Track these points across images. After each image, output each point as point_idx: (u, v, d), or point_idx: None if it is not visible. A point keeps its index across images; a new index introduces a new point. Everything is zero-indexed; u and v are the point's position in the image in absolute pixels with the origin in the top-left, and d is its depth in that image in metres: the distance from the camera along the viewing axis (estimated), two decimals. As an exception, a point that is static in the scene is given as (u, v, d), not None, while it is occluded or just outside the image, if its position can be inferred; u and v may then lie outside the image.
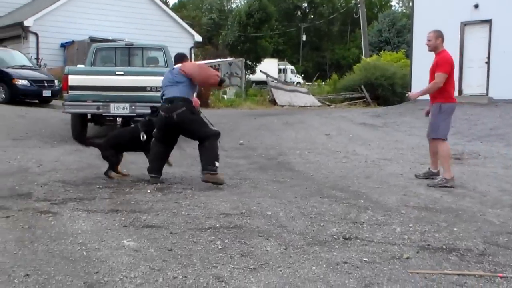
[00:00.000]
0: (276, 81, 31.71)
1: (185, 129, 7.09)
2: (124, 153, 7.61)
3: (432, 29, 8.00)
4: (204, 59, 35.66)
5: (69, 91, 10.48)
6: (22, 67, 18.81)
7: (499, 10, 17.64)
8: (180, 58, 7.60)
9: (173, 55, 13.07)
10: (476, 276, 3.96)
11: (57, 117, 14.20)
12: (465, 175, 8.31)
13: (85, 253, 4.18)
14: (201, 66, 7.25)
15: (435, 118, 7.72)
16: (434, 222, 5.43)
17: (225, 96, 26.85)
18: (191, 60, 28.27)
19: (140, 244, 4.44)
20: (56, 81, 18.27)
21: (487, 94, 17.91)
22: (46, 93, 18.28)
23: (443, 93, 7.66)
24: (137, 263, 3.98)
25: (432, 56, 8.07)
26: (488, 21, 17.99)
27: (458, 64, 18.49)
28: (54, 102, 18.81)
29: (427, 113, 8.17)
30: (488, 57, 17.97)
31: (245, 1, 48.63)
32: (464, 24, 18.51)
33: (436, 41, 7.84)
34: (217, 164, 6.86)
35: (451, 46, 18.82)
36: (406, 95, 8.01)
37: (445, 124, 7.70)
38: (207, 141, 6.95)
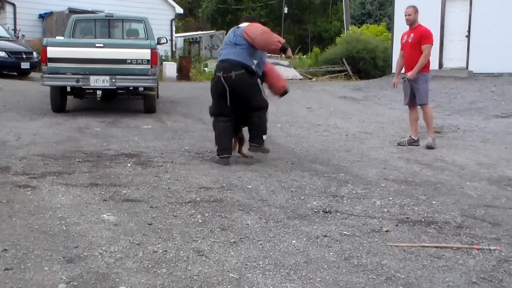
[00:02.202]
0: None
1: (241, 93, 6.60)
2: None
3: (409, 4, 8.56)
4: (185, 31, 35.36)
5: (48, 63, 10.33)
6: (-1, 38, 18.48)
7: (480, -17, 17.64)
8: (250, 19, 7.15)
9: (153, 27, 13.04)
10: (454, 248, 4.02)
11: (36, 90, 14.01)
12: (444, 148, 8.38)
13: (64, 228, 4.15)
14: (264, 30, 6.63)
15: (424, 86, 8.45)
16: (413, 196, 5.48)
17: (206, 69, 26.65)
18: (172, 32, 28.02)
19: (120, 218, 4.43)
20: (34, 53, 17.97)
21: (467, 68, 17.98)
22: (25, 65, 17.98)
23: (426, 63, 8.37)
24: (117, 237, 3.97)
25: None
26: (469, -5, 18.00)
27: (439, 37, 18.55)
28: (32, 74, 18.53)
29: (395, 85, 8.95)
30: (469, 31, 17.99)
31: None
32: (446, -3, 18.50)
33: (415, 16, 8.42)
34: (264, 137, 6.83)
35: (432, 20, 18.92)
36: (404, 79, 8.30)
37: (427, 90, 8.55)
38: (258, 112, 6.71)
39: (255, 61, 6.71)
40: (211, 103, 6.90)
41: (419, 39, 8.27)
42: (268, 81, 7.06)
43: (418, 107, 8.63)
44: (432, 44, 8.37)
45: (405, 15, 8.44)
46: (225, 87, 6.54)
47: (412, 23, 8.41)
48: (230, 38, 6.77)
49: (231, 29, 7.01)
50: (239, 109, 6.72)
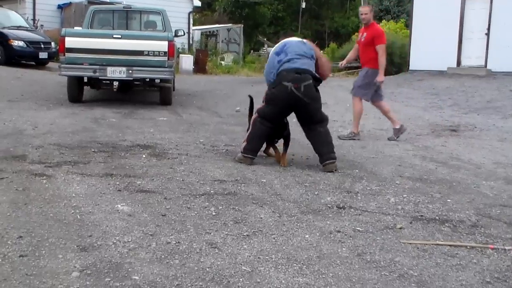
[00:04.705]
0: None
1: (306, 105, 6.27)
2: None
3: (364, 5, 9.05)
4: (203, 24, 35.36)
5: (66, 54, 10.40)
6: (19, 27, 18.61)
7: (501, -19, 17.49)
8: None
9: (171, 19, 13.05)
10: (468, 247, 3.99)
11: (53, 80, 14.11)
12: (460, 147, 8.32)
13: (78, 217, 4.18)
14: (326, 59, 6.90)
15: (363, 80, 8.69)
16: (428, 193, 5.45)
17: (222, 62, 26.68)
18: (189, 25, 28.05)
19: (134, 209, 4.45)
20: (52, 43, 18.10)
21: (485, 66, 17.84)
22: (43, 55, 18.13)
23: (375, 60, 8.52)
24: (131, 228, 3.99)
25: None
26: (490, -8, 17.84)
27: (458, 35, 18.44)
28: (50, 64, 18.68)
29: (342, 65, 9.68)
30: (488, 29, 17.84)
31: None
32: (466, -5, 18.35)
33: (370, 15, 8.67)
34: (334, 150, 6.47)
35: (451, 17, 18.85)
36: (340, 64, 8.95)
37: (366, 85, 8.65)
38: (321, 125, 6.41)
39: None
40: (265, 106, 6.52)
41: (372, 39, 8.48)
42: (318, 72, 6.69)
43: (383, 101, 8.95)
44: (385, 43, 8.61)
45: (361, 14, 8.66)
46: (290, 99, 6.25)
47: (367, 22, 8.61)
48: (301, 49, 6.45)
49: (296, 40, 6.71)
50: (302, 122, 6.59)
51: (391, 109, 9.04)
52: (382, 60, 8.48)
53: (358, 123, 8.76)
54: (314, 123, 6.42)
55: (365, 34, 8.62)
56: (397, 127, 8.72)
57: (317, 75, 6.40)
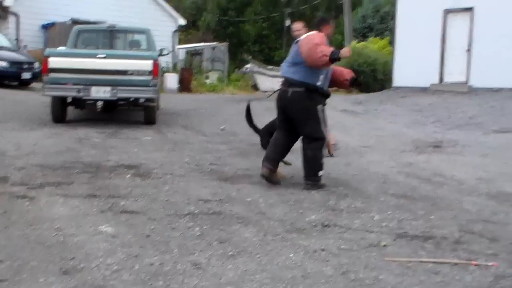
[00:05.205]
0: (258, 66, 31.60)
1: (296, 113, 6.18)
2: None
3: (297, 21, 8.55)
4: (188, 43, 35.42)
5: (50, 74, 10.36)
6: (1, 48, 18.50)
7: (481, -2, 17.75)
8: (318, 23, 6.57)
9: (156, 38, 13.08)
10: (451, 264, 4.00)
11: (36, 100, 14.02)
12: (443, 163, 8.38)
13: (61, 239, 4.15)
14: (310, 46, 5.95)
15: None
16: (411, 210, 5.47)
17: (207, 81, 26.69)
18: (174, 44, 28.09)
19: (118, 230, 4.42)
20: (36, 63, 18.00)
21: (467, 82, 18.01)
22: (26, 75, 18.01)
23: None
24: (114, 249, 3.97)
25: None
26: (470, 9, 18.05)
27: (440, 51, 18.62)
28: (34, 84, 18.56)
29: None
30: (470, 45, 18.06)
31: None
32: (447, 12, 18.54)
33: (304, 31, 8.48)
34: (320, 173, 6.24)
35: (433, 34, 19.03)
36: None
37: None
38: (311, 146, 6.21)
39: (321, 76, 6.21)
40: None
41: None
42: (333, 80, 6.52)
43: None
44: None
45: (294, 31, 8.55)
46: (280, 101, 6.30)
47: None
48: (290, 54, 6.40)
49: (294, 42, 6.54)
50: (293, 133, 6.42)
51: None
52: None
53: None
54: (306, 138, 6.27)
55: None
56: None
57: (311, 84, 6.12)
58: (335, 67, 6.55)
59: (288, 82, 6.24)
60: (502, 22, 17.19)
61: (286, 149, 6.54)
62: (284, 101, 6.25)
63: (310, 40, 6.07)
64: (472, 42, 18.00)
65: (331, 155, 7.29)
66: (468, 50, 18.07)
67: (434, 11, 18.37)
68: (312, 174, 6.23)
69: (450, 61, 18.55)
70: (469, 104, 15.43)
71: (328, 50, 5.89)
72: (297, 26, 8.60)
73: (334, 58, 5.90)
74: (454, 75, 18.45)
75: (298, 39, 6.42)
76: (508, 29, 17.03)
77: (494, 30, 17.30)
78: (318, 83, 6.19)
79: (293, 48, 6.39)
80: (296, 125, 6.29)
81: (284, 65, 6.46)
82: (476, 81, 17.67)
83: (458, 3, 18.29)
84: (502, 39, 17.13)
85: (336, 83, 6.64)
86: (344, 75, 6.63)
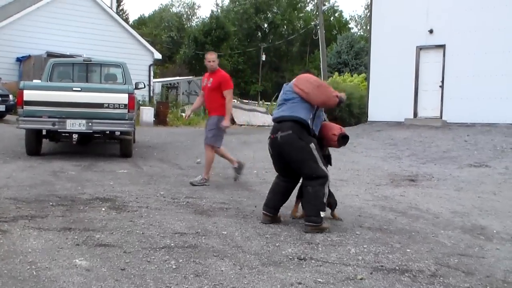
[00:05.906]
0: (235, 101, 31.85)
1: (290, 156, 5.96)
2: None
3: (210, 51, 9.25)
4: (164, 76, 35.55)
5: (24, 106, 10.31)
6: (-25, 81, 18.42)
7: (453, 35, 18.21)
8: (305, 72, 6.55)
9: (132, 72, 13.10)
10: (428, 297, 4.01)
11: (11, 132, 13.91)
12: (419, 196, 8.44)
13: (34, 273, 4.07)
14: (320, 84, 6.04)
15: (217, 127, 8.75)
16: (388, 243, 5.49)
17: (183, 114, 26.72)
18: (150, 77, 28.13)
19: (93, 263, 4.36)
20: (11, 96, 17.91)
21: (441, 117, 18.34)
22: (0, 108, 17.91)
23: (222, 107, 8.73)
24: (89, 283, 3.91)
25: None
26: (442, 46, 18.49)
27: (414, 87, 18.97)
28: (8, 117, 18.43)
29: (187, 117, 10.04)
30: (442, 81, 18.43)
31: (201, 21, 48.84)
32: (420, 48, 18.96)
33: (217, 61, 8.88)
34: (322, 214, 5.87)
35: (407, 70, 19.42)
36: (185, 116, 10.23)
37: (221, 134, 8.91)
38: (312, 183, 5.90)
39: (311, 114, 6.05)
40: None
41: (219, 84, 8.65)
42: (321, 135, 6.32)
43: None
44: (232, 88, 8.84)
45: (208, 61, 8.81)
46: (273, 149, 6.16)
47: (214, 69, 8.79)
48: (281, 96, 6.29)
49: (284, 84, 6.46)
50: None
51: (225, 149, 9.38)
52: (229, 106, 8.74)
53: (209, 170, 8.85)
54: (306, 178, 6.00)
55: (211, 79, 8.71)
56: (236, 166, 9.13)
57: (299, 117, 5.94)
58: (324, 122, 6.45)
59: (275, 129, 6.13)
60: (474, 58, 17.66)
61: (287, 195, 6.35)
62: (277, 147, 6.09)
63: (314, 80, 6.12)
64: (444, 78, 18.40)
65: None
66: (441, 86, 18.45)
67: (407, 47, 18.82)
68: (313, 214, 5.84)
69: (424, 96, 18.91)
70: (443, 139, 15.66)
71: (337, 93, 6.16)
72: (212, 56, 8.89)
73: (340, 102, 6.21)
74: (428, 110, 18.79)
75: (286, 83, 6.44)
76: (479, 66, 17.49)
77: (466, 67, 17.76)
78: (308, 121, 6.00)
79: (283, 89, 6.32)
80: (294, 167, 6.05)
81: (279, 106, 6.28)
82: (449, 116, 18.01)
83: (430, 40, 18.75)
84: (473, 75, 17.59)
85: (323, 138, 6.34)
86: (333, 129, 6.38)
